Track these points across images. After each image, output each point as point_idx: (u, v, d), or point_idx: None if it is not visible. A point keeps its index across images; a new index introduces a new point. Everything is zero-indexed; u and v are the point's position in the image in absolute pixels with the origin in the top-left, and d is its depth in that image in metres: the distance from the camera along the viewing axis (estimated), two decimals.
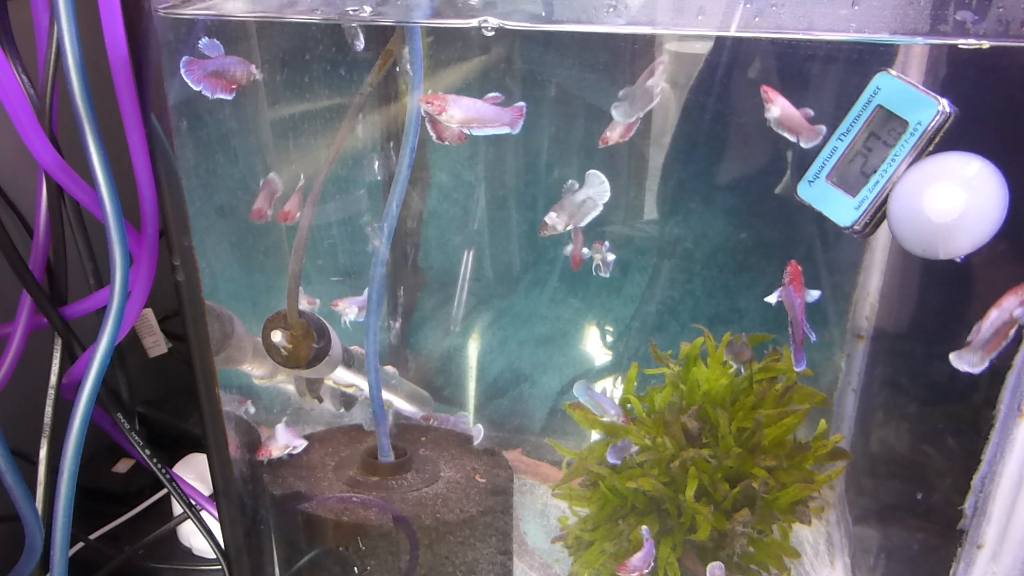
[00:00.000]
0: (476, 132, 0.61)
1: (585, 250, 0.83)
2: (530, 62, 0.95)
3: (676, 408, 0.83)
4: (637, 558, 0.75)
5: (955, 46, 0.66)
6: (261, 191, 0.75)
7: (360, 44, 0.70)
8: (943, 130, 0.49)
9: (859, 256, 0.95)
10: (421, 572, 0.78)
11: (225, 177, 0.76)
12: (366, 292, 0.79)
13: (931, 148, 0.49)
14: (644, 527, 0.76)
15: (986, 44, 0.52)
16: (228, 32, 0.72)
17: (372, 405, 0.82)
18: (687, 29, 0.77)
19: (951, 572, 0.63)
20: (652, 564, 0.76)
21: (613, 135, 0.72)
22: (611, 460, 0.81)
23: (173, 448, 0.98)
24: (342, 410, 0.89)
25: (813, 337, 0.61)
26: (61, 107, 0.57)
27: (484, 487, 0.82)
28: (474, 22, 0.58)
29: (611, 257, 0.83)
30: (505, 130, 0.61)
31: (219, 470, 0.72)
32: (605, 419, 0.82)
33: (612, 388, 1.09)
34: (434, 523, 0.77)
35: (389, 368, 0.97)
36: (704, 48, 0.89)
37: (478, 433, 0.90)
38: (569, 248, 0.85)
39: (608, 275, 0.82)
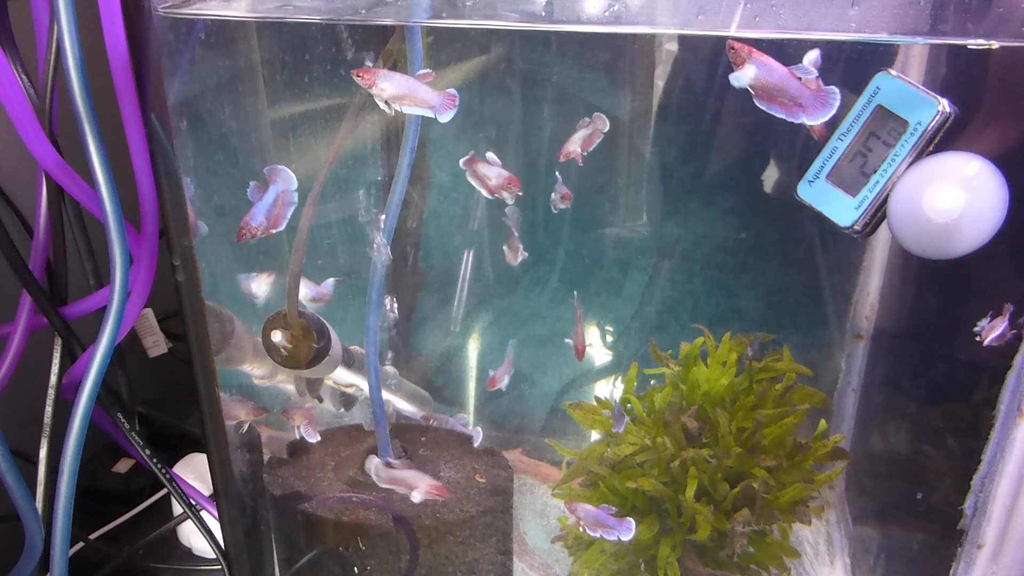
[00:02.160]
0: (405, 110, 0.61)
1: (553, 195, 0.82)
2: (530, 62, 0.95)
3: (676, 408, 0.83)
4: (591, 510, 0.73)
5: (955, 46, 0.66)
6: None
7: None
8: (943, 130, 0.49)
9: (859, 256, 0.95)
10: (421, 572, 0.78)
11: (225, 177, 0.76)
12: (326, 282, 0.80)
13: (931, 148, 0.49)
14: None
15: (995, 44, 0.52)
16: (228, 32, 0.72)
17: (372, 405, 0.82)
18: (687, 29, 0.77)
19: (951, 572, 0.63)
20: (619, 534, 0.73)
21: (573, 148, 0.73)
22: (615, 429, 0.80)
23: (173, 448, 0.98)
24: (342, 410, 0.89)
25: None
26: (61, 107, 0.57)
27: (484, 487, 0.82)
28: None
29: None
30: (431, 114, 0.60)
31: (219, 470, 0.72)
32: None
33: (612, 388, 1.09)
34: (434, 523, 0.77)
35: (389, 368, 0.97)
36: (702, 47, 0.89)
37: (477, 436, 0.90)
38: (570, 340, 0.87)
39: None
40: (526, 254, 0.85)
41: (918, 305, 0.86)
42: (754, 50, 0.52)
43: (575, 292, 0.99)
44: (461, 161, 0.71)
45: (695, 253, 1.00)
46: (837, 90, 0.52)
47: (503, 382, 0.86)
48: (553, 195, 0.79)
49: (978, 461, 0.60)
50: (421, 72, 0.61)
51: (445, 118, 0.60)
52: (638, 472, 0.81)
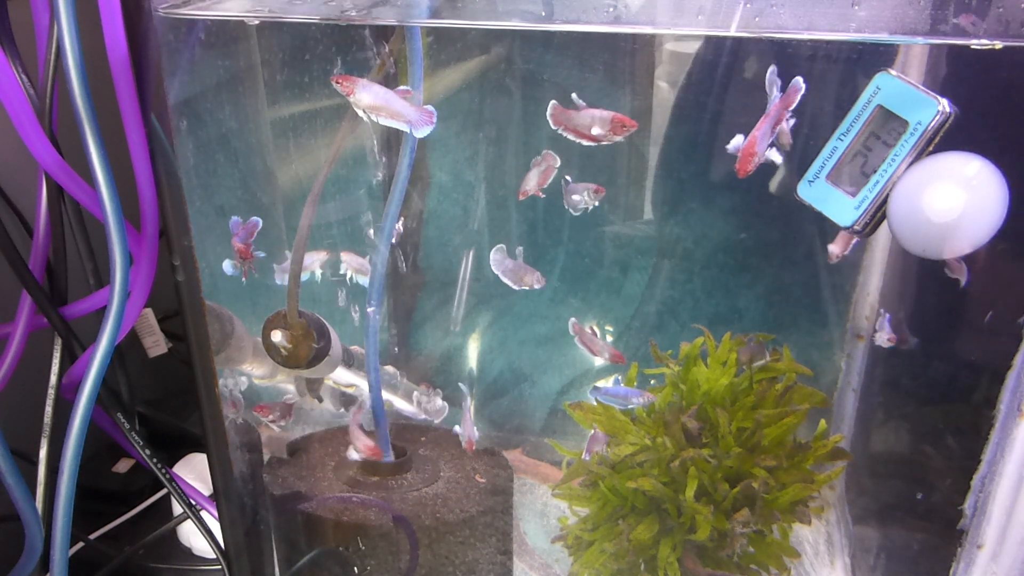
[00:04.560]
0: (382, 122, 0.61)
1: (575, 197, 0.78)
2: (530, 62, 0.95)
3: (676, 408, 0.83)
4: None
5: (956, 46, 0.66)
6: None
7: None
8: (943, 130, 0.49)
9: (859, 256, 0.95)
10: (421, 572, 0.78)
11: (225, 177, 0.76)
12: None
13: (931, 148, 0.49)
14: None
15: (999, 44, 0.52)
16: (228, 32, 0.72)
17: (372, 405, 0.82)
18: (687, 29, 0.77)
19: (951, 572, 0.63)
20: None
21: (530, 187, 0.72)
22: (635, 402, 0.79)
23: (173, 448, 0.98)
24: (342, 410, 0.89)
25: None
26: (61, 107, 0.57)
27: (484, 487, 0.82)
28: None
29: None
30: (406, 128, 0.60)
31: (219, 470, 0.72)
32: (631, 404, 0.80)
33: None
34: (434, 523, 0.77)
35: (389, 368, 0.97)
36: (702, 47, 0.89)
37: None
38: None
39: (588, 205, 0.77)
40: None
41: (918, 305, 0.86)
42: (754, 143, 0.57)
43: (593, 325, 0.98)
44: (551, 117, 0.62)
45: (695, 253, 1.00)
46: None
47: (476, 436, 0.87)
48: (575, 196, 0.76)
49: (978, 461, 0.60)
50: (401, 88, 0.61)
51: (421, 134, 0.60)
52: (638, 472, 0.81)
